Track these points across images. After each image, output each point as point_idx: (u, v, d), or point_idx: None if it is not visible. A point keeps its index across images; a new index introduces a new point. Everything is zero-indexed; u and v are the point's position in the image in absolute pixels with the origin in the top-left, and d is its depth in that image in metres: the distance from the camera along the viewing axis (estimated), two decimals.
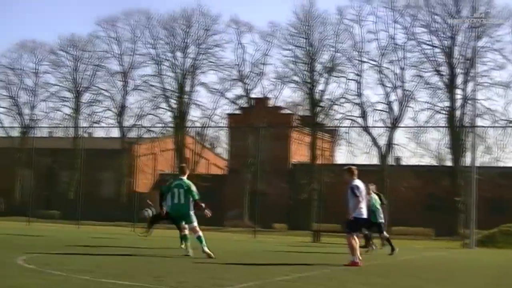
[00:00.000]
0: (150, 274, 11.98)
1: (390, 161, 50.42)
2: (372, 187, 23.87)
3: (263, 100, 61.35)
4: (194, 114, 65.67)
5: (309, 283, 11.92)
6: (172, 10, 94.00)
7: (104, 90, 66.12)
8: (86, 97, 66.83)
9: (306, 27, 59.34)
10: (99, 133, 70.91)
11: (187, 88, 62.53)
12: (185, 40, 62.58)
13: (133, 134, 63.11)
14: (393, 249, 23.15)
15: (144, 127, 62.17)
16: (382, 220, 23.58)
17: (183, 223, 18.41)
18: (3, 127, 67.31)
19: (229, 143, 64.00)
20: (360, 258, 16.17)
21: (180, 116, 62.10)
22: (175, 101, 62.71)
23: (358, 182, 16.58)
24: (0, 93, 69.28)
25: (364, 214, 16.47)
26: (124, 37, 65.13)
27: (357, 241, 16.30)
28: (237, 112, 63.05)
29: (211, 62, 62.83)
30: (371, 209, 21.98)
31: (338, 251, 23.05)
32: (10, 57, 68.48)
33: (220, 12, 71.64)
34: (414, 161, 57.28)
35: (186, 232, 18.48)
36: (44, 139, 64.31)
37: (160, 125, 63.73)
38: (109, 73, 66.12)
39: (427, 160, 55.95)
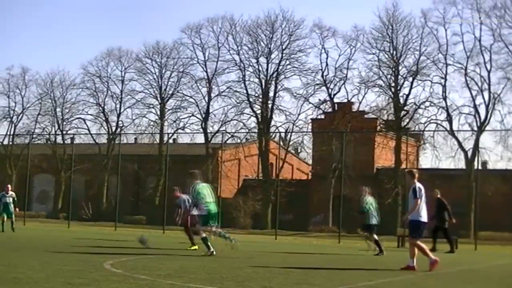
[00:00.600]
0: (235, 278, 12.07)
1: (477, 165, 49.51)
2: (367, 189, 24.45)
3: (347, 105, 61.02)
4: (278, 119, 65.41)
5: None
6: (255, 16, 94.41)
7: (188, 96, 66.75)
8: (171, 103, 67.58)
9: (390, 30, 58.83)
10: (183, 139, 71.70)
11: (271, 94, 62.66)
12: (269, 46, 62.70)
13: (217, 139, 63.51)
14: (381, 251, 23.35)
15: (228, 132, 62.52)
16: (375, 223, 24.00)
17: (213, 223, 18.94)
18: (91, 134, 68.58)
19: (313, 148, 63.90)
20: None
21: (264, 121, 62.24)
22: (259, 107, 62.90)
23: (420, 185, 16.30)
24: (87, 101, 70.61)
25: (424, 218, 16.16)
26: (208, 43, 65.66)
27: (423, 246, 16.06)
28: (321, 117, 62.89)
29: (294, 67, 62.81)
30: (363, 211, 23.46)
31: (423, 257, 22.78)
32: (97, 65, 69.71)
33: (304, 17, 71.42)
34: (501, 165, 56.23)
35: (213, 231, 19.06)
36: (130, 146, 65.38)
37: (244, 130, 64.03)
38: (193, 80, 66.73)
39: None
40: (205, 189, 19.16)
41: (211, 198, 18.98)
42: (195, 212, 19.82)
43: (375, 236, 23.91)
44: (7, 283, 10.14)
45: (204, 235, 18.88)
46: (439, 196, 27.37)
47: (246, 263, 16.70)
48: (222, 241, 19.05)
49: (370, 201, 24.14)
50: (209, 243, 18.81)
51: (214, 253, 18.50)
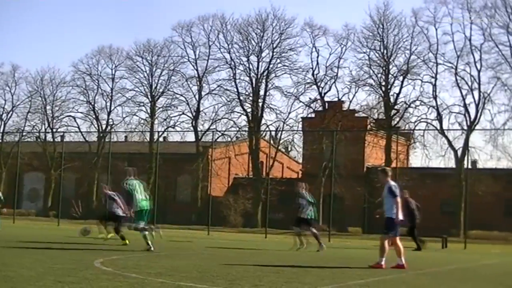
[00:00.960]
0: (226, 277, 12.05)
1: (467, 164, 49.62)
2: (304, 185, 25.24)
3: (337, 104, 61.08)
4: (268, 117, 65.93)
5: (384, 287, 11.84)
6: (246, 14, 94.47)
7: (179, 94, 66.75)
8: (161, 101, 67.57)
9: (381, 29, 58.95)
10: (174, 137, 71.67)
11: (262, 92, 62.67)
12: (260, 44, 62.73)
13: (208, 138, 63.54)
14: (320, 245, 23.62)
15: (219, 131, 62.51)
16: (310, 217, 24.34)
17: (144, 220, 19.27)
18: (81, 132, 68.47)
19: (303, 146, 63.94)
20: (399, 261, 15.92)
21: (255, 120, 62.25)
22: (249, 105, 62.90)
23: (394, 183, 16.28)
24: (77, 99, 70.52)
25: (400, 215, 16.15)
26: (199, 42, 65.67)
27: (400, 246, 16.06)
28: (312, 115, 62.95)
29: (285, 65, 62.85)
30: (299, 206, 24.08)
31: (414, 255, 22.81)
32: (88, 63, 69.65)
33: (295, 15, 71.58)
34: (491, 164, 56.37)
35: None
36: (120, 144, 65.29)
37: (235, 129, 64.07)
38: (184, 78, 66.73)
39: (505, 163, 55.01)
40: (138, 186, 19.26)
41: (143, 196, 19.18)
42: (119, 210, 20.32)
43: (314, 230, 24.40)
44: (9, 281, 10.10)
45: (145, 232, 19.01)
46: (407, 196, 27.51)
47: (237, 261, 16.68)
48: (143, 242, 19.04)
49: (305, 196, 24.54)
50: (148, 241, 18.92)
51: (152, 249, 18.60)
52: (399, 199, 15.90)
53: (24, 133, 68.33)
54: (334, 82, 61.08)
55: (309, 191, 25.62)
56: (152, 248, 18.55)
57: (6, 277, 10.64)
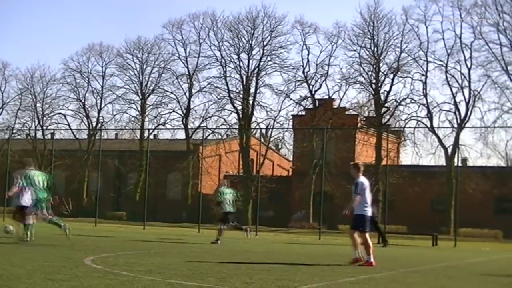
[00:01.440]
0: (216, 275, 12.05)
1: (457, 162, 49.74)
2: (226, 181, 26.89)
3: (328, 101, 61.17)
4: (259, 115, 65.95)
5: (374, 285, 11.86)
6: (237, 12, 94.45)
7: (169, 92, 66.79)
8: (152, 99, 67.58)
9: (371, 27, 59.08)
10: (164, 135, 71.65)
11: (252, 90, 62.76)
12: (250, 42, 62.80)
13: (198, 135, 63.52)
14: (216, 240, 24.67)
15: (209, 128, 62.57)
16: (229, 210, 25.54)
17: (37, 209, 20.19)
18: (71, 130, 68.36)
19: (294, 144, 63.98)
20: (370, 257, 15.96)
21: (245, 117, 62.28)
22: (240, 103, 62.94)
23: (363, 179, 16.31)
24: (68, 96, 70.48)
25: (369, 212, 16.15)
26: (189, 39, 65.70)
27: (369, 243, 16.10)
28: (302, 113, 62.99)
29: (276, 63, 62.96)
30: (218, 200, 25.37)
31: (404, 253, 22.85)
32: (78, 60, 69.59)
33: (285, 13, 71.47)
34: (481, 162, 56.60)
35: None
36: (110, 141, 65.21)
37: (225, 126, 64.07)
38: (174, 75, 66.74)
39: (495, 161, 55.20)
40: (36, 176, 20.05)
41: (41, 185, 20.05)
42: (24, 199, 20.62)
43: (232, 224, 25.99)
44: None
45: (30, 222, 20.05)
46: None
47: (227, 259, 16.68)
48: (58, 229, 19.36)
49: (225, 191, 25.59)
50: (28, 232, 19.90)
51: (28, 240, 19.39)
52: (358, 197, 15.93)
53: (14, 131, 68.18)
54: (325, 80, 61.31)
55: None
56: (27, 239, 19.37)
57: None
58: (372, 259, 15.70)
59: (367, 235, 16.04)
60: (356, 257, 15.93)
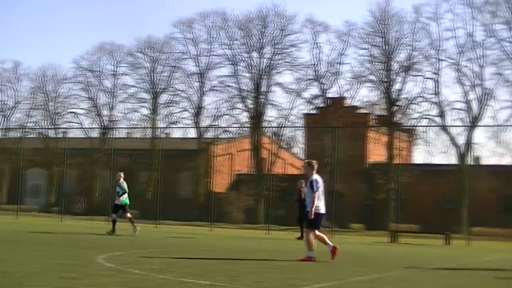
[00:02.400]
0: (227, 273, 12.07)
1: (469, 161, 49.57)
2: (121, 174, 27.97)
3: (339, 100, 61.07)
4: (270, 114, 65.43)
5: (385, 284, 11.86)
6: (247, 10, 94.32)
7: (181, 91, 66.75)
8: (163, 98, 67.56)
9: (382, 25, 58.89)
10: (176, 133, 71.71)
11: (263, 88, 62.70)
12: (261, 41, 62.75)
13: (210, 134, 63.53)
14: (113, 232, 26.30)
15: (221, 127, 62.54)
16: (125, 204, 27.23)
17: None
18: (83, 128, 68.50)
19: (305, 143, 63.91)
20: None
21: (257, 116, 62.28)
22: (251, 101, 62.94)
23: (317, 177, 16.33)
24: (80, 95, 70.59)
25: (322, 209, 16.21)
26: (200, 38, 65.67)
27: (322, 235, 16.18)
28: (314, 112, 62.94)
29: (287, 62, 62.86)
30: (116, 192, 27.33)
31: (416, 252, 22.83)
32: (89, 59, 69.69)
33: (296, 12, 71.58)
34: (493, 161, 56.35)
35: None
36: (122, 140, 65.31)
37: (237, 125, 64.08)
38: (186, 74, 66.74)
39: (508, 160, 54.95)
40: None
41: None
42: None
43: (128, 215, 27.28)
44: None
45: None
46: (303, 187, 28.12)
47: (239, 257, 16.70)
48: None
49: (122, 185, 27.33)
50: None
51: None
52: (316, 194, 15.96)
53: (26, 130, 68.40)
54: (336, 78, 61.14)
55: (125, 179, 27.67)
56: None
57: (4, 273, 10.65)
58: (313, 255, 15.84)
59: (317, 232, 16.16)
60: (310, 256, 15.98)
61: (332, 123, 55.97)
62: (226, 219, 53.31)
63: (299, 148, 68.08)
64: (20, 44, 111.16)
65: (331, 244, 16.05)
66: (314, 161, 16.99)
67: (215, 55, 65.13)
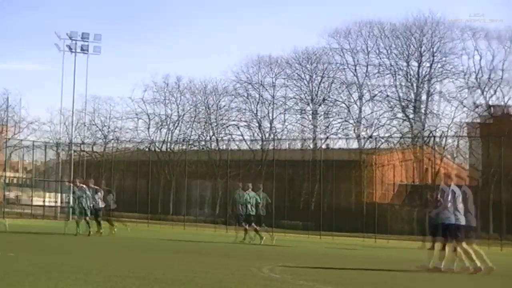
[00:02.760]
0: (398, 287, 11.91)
1: None
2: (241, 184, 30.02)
3: (504, 108, 59.28)
4: (431, 123, 64.36)
5: None
6: (404, 18, 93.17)
7: (340, 101, 66.70)
8: (322, 108, 67.69)
9: None
10: (336, 144, 71.62)
11: (424, 97, 61.78)
12: (419, 49, 61.90)
13: (370, 144, 63.10)
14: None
15: (382, 137, 61.99)
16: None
17: None
18: (245, 140, 69.49)
19: (469, 152, 62.36)
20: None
21: (418, 126, 61.42)
22: (411, 111, 62.13)
23: (453, 187, 16.14)
24: (241, 107, 71.73)
25: (462, 221, 15.99)
26: (357, 48, 65.46)
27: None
28: (477, 120, 61.35)
29: (447, 70, 61.67)
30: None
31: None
32: (248, 72, 70.69)
33: (454, 18, 69.92)
34: None
35: None
36: (283, 151, 65.83)
37: (398, 135, 63.34)
38: (344, 85, 66.63)
39: None
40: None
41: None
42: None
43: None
44: (160, 283, 10.38)
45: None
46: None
47: (400, 269, 16.42)
48: None
49: (250, 195, 29.00)
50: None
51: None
52: (443, 205, 15.86)
53: (190, 142, 70.11)
54: (499, 85, 59.39)
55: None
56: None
57: (160, 279, 10.91)
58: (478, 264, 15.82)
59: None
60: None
61: (497, 132, 54.31)
62: (389, 230, 52.72)
63: (463, 158, 66.55)
64: (181, 59, 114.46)
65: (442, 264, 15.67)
66: (452, 172, 17.02)
67: (373, 65, 64.60)
